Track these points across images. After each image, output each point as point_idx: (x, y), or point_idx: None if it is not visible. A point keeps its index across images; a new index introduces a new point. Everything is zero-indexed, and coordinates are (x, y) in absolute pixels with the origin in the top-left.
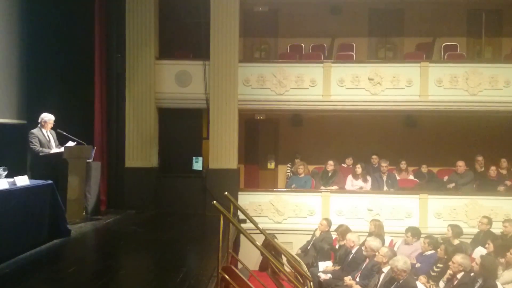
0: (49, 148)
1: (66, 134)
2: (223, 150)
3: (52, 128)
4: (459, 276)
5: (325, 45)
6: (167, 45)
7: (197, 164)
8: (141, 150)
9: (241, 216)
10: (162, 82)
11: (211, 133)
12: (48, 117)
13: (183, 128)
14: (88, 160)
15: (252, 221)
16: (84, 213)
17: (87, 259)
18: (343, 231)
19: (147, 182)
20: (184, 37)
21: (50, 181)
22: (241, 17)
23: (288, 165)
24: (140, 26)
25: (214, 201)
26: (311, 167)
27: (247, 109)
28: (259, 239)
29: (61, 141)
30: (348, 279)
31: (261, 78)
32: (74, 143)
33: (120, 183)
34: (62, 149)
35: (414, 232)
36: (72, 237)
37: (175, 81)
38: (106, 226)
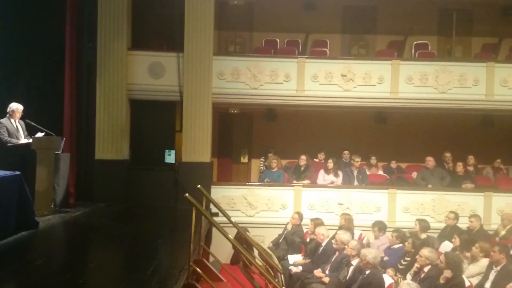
0: (18, 138)
1: (35, 124)
2: (196, 143)
3: (20, 118)
4: (426, 269)
5: (300, 40)
6: (140, 35)
7: (170, 157)
8: (111, 142)
9: (214, 209)
10: (134, 73)
11: (184, 126)
12: (16, 107)
13: (155, 121)
14: (57, 152)
15: (225, 214)
16: (52, 205)
17: (55, 252)
18: (318, 224)
19: (118, 175)
20: (158, 28)
21: (18, 172)
22: (216, 10)
23: (262, 159)
24: (113, 16)
25: (187, 194)
26: (284, 162)
27: (221, 102)
28: (231, 233)
29: (30, 131)
30: (318, 272)
31: (235, 72)
32: (43, 134)
33: (89, 175)
34: (30, 140)
35: (381, 226)
36: (40, 230)
37: (148, 73)
38: (75, 219)
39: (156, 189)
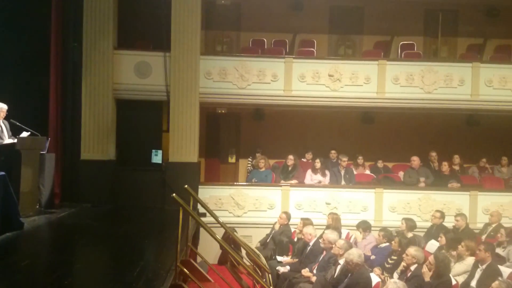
0: (2, 138)
1: (20, 124)
2: (183, 143)
3: (4, 118)
4: (412, 268)
5: (287, 40)
6: (127, 35)
7: (157, 157)
8: (97, 142)
9: (201, 209)
10: (120, 72)
11: (171, 125)
12: (0, 106)
13: (142, 120)
14: (42, 152)
15: (212, 214)
16: (37, 206)
17: (41, 253)
18: (307, 223)
19: (104, 175)
20: (145, 28)
21: (2, 173)
22: (203, 10)
23: (249, 159)
24: (99, 15)
25: (174, 194)
26: (271, 161)
27: (209, 102)
28: (219, 233)
29: (14, 131)
30: (305, 271)
31: (223, 72)
32: (28, 134)
33: (75, 176)
34: (15, 140)
35: (365, 226)
36: (25, 230)
37: (134, 72)
38: (61, 220)
39: (143, 189)
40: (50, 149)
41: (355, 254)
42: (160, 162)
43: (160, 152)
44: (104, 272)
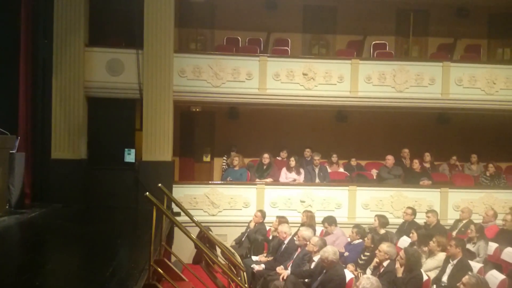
0: None
1: None
2: (157, 142)
3: None
4: (385, 264)
5: (261, 39)
6: (98, 32)
7: (130, 156)
8: (68, 141)
9: (175, 209)
10: (92, 70)
11: (145, 124)
12: None
13: (114, 119)
14: (11, 151)
15: (186, 213)
16: (7, 206)
17: (11, 254)
18: (282, 221)
19: (75, 175)
20: (117, 25)
21: None
22: (177, 7)
23: (224, 158)
24: (70, 11)
25: (147, 193)
26: (246, 160)
27: (183, 100)
28: (194, 232)
29: None
30: (280, 269)
31: (197, 70)
32: None
33: (46, 175)
34: None
35: (330, 221)
36: None
37: (106, 70)
38: (31, 220)
39: (116, 189)
40: (20, 148)
41: (330, 252)
42: (133, 161)
43: (133, 151)
44: (76, 273)
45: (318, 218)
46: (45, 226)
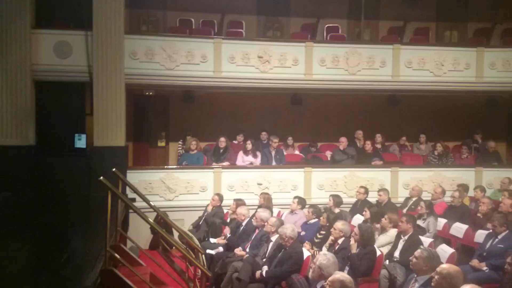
0: None
1: None
2: (109, 127)
3: None
4: (340, 241)
5: (215, 21)
6: (45, 13)
7: (80, 142)
8: (15, 127)
9: (130, 195)
10: (39, 53)
11: (95, 108)
12: None
13: (63, 103)
14: None
15: (143, 198)
16: None
17: None
18: (240, 204)
19: (23, 162)
20: (64, 5)
21: None
22: None
23: (180, 142)
24: None
25: (101, 177)
26: (203, 144)
27: (135, 83)
28: (150, 218)
29: None
30: (238, 251)
31: (149, 52)
32: None
33: None
34: None
35: (301, 201)
36: None
37: (53, 52)
38: None
39: (67, 175)
40: None
41: (288, 228)
42: (84, 146)
43: (83, 136)
44: (29, 261)
45: (275, 200)
46: None
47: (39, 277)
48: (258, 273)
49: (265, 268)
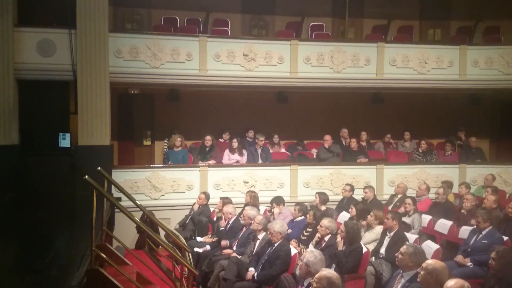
0: None
1: None
2: (93, 126)
3: None
4: (326, 238)
5: (200, 19)
6: (28, 11)
7: (64, 141)
8: None
9: (116, 194)
10: (22, 51)
11: (80, 107)
12: None
13: (47, 102)
14: None
15: (129, 197)
16: None
17: None
18: (226, 202)
19: (7, 161)
20: (47, 3)
21: None
22: None
23: (165, 141)
24: None
25: (86, 176)
26: (189, 143)
27: (120, 82)
28: (136, 217)
29: None
30: (224, 246)
31: (134, 50)
32: None
33: None
34: None
35: (278, 201)
36: None
37: (37, 51)
38: None
39: (51, 175)
40: None
41: (277, 224)
42: (69, 146)
43: (68, 135)
44: (14, 261)
45: (262, 198)
46: None
47: (24, 277)
48: (249, 275)
49: (251, 269)
